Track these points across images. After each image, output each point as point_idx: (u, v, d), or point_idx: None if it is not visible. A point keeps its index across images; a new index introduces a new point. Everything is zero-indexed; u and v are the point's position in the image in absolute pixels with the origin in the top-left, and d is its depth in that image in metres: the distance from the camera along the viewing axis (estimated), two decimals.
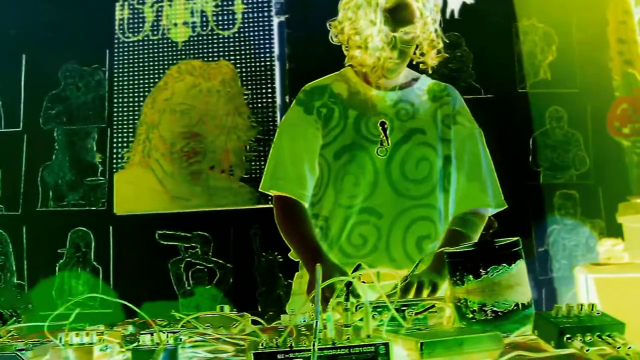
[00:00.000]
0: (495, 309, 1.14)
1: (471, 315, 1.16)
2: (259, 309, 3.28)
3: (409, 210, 1.73)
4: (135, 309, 1.18)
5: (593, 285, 2.60)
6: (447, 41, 1.81)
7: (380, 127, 1.75)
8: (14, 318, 1.44)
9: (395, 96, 1.80)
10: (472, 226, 1.76)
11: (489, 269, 1.14)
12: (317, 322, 0.84)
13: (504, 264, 1.14)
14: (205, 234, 3.38)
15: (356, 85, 1.82)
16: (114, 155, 3.46)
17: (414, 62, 1.81)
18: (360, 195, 1.72)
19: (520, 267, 1.17)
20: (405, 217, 1.72)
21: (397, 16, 1.68)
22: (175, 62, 3.49)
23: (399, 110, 1.78)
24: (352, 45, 1.74)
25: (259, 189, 1.86)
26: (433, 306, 1.26)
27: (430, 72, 1.84)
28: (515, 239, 1.19)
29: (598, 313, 1.01)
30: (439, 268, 1.59)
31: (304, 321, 1.21)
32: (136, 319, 1.35)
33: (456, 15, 3.45)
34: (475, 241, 1.70)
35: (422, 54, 1.79)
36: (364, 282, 1.44)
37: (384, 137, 1.74)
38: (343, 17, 1.75)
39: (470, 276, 1.15)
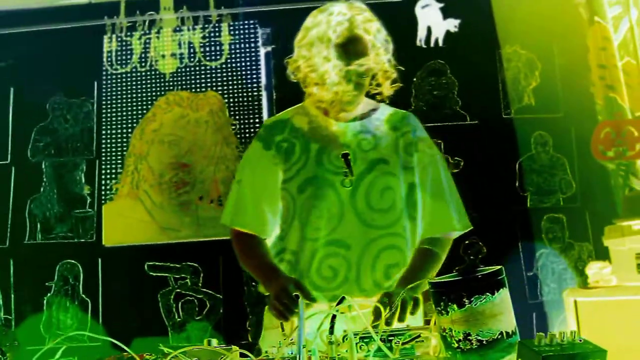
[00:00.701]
0: (479, 338, 1.14)
1: (456, 345, 1.16)
2: (250, 339, 3.25)
3: (377, 240, 1.75)
4: (122, 345, 1.18)
5: (582, 309, 2.61)
6: (403, 69, 1.85)
7: (343, 159, 1.77)
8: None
9: (355, 128, 1.83)
10: (441, 245, 1.82)
11: (472, 299, 1.14)
12: (299, 355, 0.85)
13: (487, 293, 1.15)
14: (195, 264, 3.37)
15: (316, 118, 1.84)
16: (103, 187, 3.45)
17: (370, 93, 1.84)
18: (327, 227, 1.74)
19: (503, 295, 1.18)
20: (373, 247, 1.74)
21: (350, 50, 1.71)
22: (163, 93, 3.51)
23: (360, 141, 1.81)
24: (310, 82, 1.77)
25: (221, 222, 1.89)
26: (419, 336, 1.26)
27: (387, 101, 1.87)
28: (498, 267, 1.20)
29: (580, 340, 1.02)
30: (410, 283, 1.62)
31: (292, 353, 1.21)
32: (124, 353, 1.34)
33: (440, 44, 3.51)
34: (430, 269, 1.76)
35: (378, 85, 1.82)
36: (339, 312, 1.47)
37: (348, 169, 1.76)
38: (298, 55, 1.78)
39: (454, 306, 1.16)
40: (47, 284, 3.38)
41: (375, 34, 1.76)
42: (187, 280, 3.35)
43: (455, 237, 1.87)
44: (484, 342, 1.14)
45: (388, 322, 1.50)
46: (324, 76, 1.71)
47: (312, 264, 1.73)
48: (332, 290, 1.70)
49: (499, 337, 1.15)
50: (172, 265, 3.36)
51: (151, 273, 3.36)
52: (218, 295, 3.35)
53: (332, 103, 1.76)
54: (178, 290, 3.35)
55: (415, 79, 3.46)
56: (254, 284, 3.33)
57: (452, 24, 3.51)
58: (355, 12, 1.75)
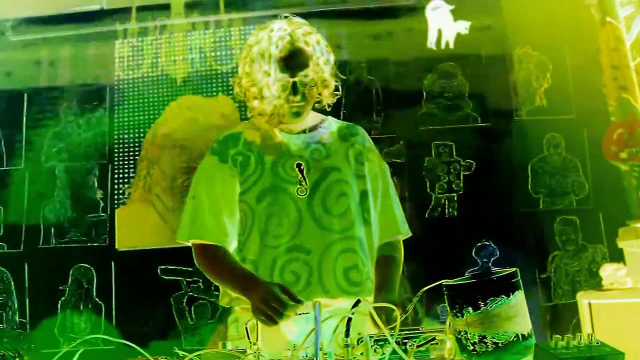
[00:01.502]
0: (495, 340, 1.14)
1: (472, 348, 1.16)
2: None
3: (335, 243, 1.80)
4: (138, 348, 1.19)
5: (596, 312, 2.59)
6: (345, 77, 1.91)
7: (297, 169, 1.82)
8: (17, 358, 1.44)
9: (306, 138, 1.89)
10: (397, 249, 1.93)
11: (487, 301, 1.14)
12: (317, 358, 0.85)
13: (503, 296, 1.15)
14: None
15: (267, 132, 1.90)
16: (115, 192, 3.48)
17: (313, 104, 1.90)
18: (286, 234, 1.78)
19: (519, 298, 1.17)
20: (332, 250, 1.79)
21: (293, 62, 1.78)
22: (174, 97, 3.53)
23: (312, 151, 1.87)
24: (250, 96, 1.84)
25: (177, 239, 1.90)
26: (434, 338, 1.26)
27: (328, 110, 1.93)
28: (514, 269, 1.19)
29: (597, 343, 1.01)
30: (391, 290, 1.76)
31: (306, 356, 1.21)
32: (139, 357, 1.35)
33: (451, 46, 3.50)
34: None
35: (319, 94, 1.88)
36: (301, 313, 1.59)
37: (302, 178, 1.82)
38: (241, 72, 1.86)
39: (470, 308, 1.16)
40: (60, 287, 3.41)
41: (315, 46, 1.82)
42: (200, 283, 3.37)
43: (401, 240, 1.96)
44: (500, 344, 1.14)
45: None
46: (264, 90, 1.78)
47: (274, 271, 1.77)
48: (297, 295, 1.72)
49: (515, 339, 1.14)
50: (184, 268, 3.38)
51: (164, 277, 3.38)
52: None
53: (272, 116, 1.83)
54: (190, 293, 3.37)
55: (426, 82, 3.46)
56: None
57: (463, 26, 3.50)
58: (295, 26, 1.82)
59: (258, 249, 1.79)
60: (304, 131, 1.90)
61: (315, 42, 1.82)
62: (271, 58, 1.76)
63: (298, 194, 1.80)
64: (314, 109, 1.93)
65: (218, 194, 1.84)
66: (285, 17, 1.85)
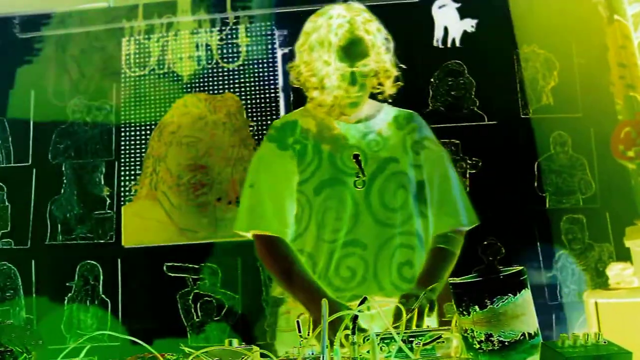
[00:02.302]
0: (502, 339, 1.14)
1: (478, 346, 1.16)
2: (268, 340, 3.26)
3: (392, 238, 1.75)
4: (144, 345, 1.19)
5: (603, 311, 2.58)
6: (405, 67, 1.85)
7: (354, 160, 1.77)
8: (25, 354, 1.44)
9: (362, 128, 1.83)
10: (454, 242, 1.81)
11: (494, 300, 1.14)
12: (323, 357, 0.85)
13: (510, 294, 1.14)
14: (213, 265, 3.39)
15: (323, 120, 1.84)
16: (122, 189, 3.49)
17: (372, 93, 1.84)
18: (343, 228, 1.74)
19: (525, 296, 1.17)
20: (389, 245, 1.75)
21: (353, 52, 1.71)
22: (181, 95, 3.54)
23: (369, 141, 1.81)
24: (310, 86, 1.78)
25: (234, 230, 1.83)
26: (440, 337, 1.26)
27: (390, 100, 1.87)
28: (520, 268, 1.19)
29: (604, 342, 1.01)
30: (429, 285, 1.61)
31: (312, 354, 1.22)
32: (145, 353, 1.36)
33: (457, 44, 3.49)
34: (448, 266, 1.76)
35: (380, 84, 1.82)
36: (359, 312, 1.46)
37: (359, 169, 1.76)
38: (299, 61, 1.79)
39: (476, 307, 1.16)
40: (67, 284, 3.42)
41: (376, 34, 1.76)
42: (206, 281, 3.37)
43: (464, 232, 1.86)
44: (506, 343, 1.14)
45: (406, 326, 1.49)
46: (324, 80, 1.72)
47: (330, 265, 1.73)
48: (352, 290, 1.70)
49: (521, 338, 1.14)
50: (190, 266, 3.39)
51: (170, 274, 3.39)
52: (236, 296, 3.36)
53: (332, 107, 1.77)
54: (196, 291, 3.37)
55: (432, 80, 3.45)
56: (271, 284, 3.34)
57: (469, 24, 3.49)
58: (354, 13, 1.75)
59: (314, 242, 1.75)
60: (360, 121, 1.84)
61: (375, 30, 1.76)
62: (331, 47, 1.69)
63: (356, 186, 1.75)
64: (374, 99, 1.86)
65: (279, 182, 1.78)
66: (344, 1, 1.78)
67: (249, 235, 1.83)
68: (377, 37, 1.75)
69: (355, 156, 1.77)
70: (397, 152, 1.81)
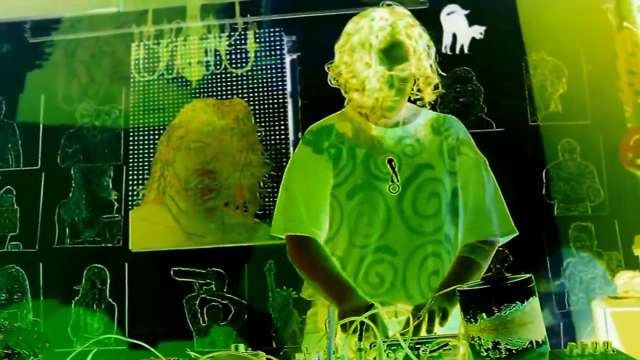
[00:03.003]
0: (509, 346, 1.13)
1: (485, 354, 1.15)
2: (274, 345, 3.26)
3: (423, 246, 1.72)
4: (150, 349, 1.19)
5: (611, 320, 2.57)
6: (445, 74, 1.82)
7: (389, 165, 1.75)
8: (32, 357, 1.45)
9: (398, 133, 1.81)
10: (481, 253, 1.74)
11: (502, 307, 1.13)
12: None
13: (517, 302, 1.14)
14: (220, 270, 3.39)
15: (360, 124, 1.83)
16: (130, 193, 3.50)
17: (411, 99, 1.83)
18: (375, 234, 1.71)
19: (533, 304, 1.16)
20: (419, 253, 1.72)
21: (392, 55, 1.69)
22: (189, 100, 3.55)
23: (405, 146, 1.79)
24: (350, 88, 1.76)
25: (271, 233, 1.83)
26: (447, 344, 1.25)
27: (428, 107, 1.85)
28: (528, 275, 1.18)
29: (613, 351, 1.00)
30: (447, 294, 1.56)
31: (319, 359, 1.21)
32: (152, 357, 1.36)
33: (466, 50, 3.49)
34: (479, 273, 1.71)
35: (419, 91, 1.79)
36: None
37: (394, 175, 1.74)
38: (339, 61, 1.77)
39: (483, 314, 1.15)
40: (74, 287, 3.43)
41: (417, 39, 1.73)
42: (212, 285, 3.38)
43: (499, 243, 1.80)
44: (514, 351, 1.13)
45: (414, 333, 1.48)
46: (365, 82, 1.70)
47: (360, 270, 1.71)
48: (380, 297, 1.67)
49: (529, 346, 1.13)
50: (197, 270, 3.39)
51: (177, 278, 3.39)
52: (242, 301, 3.36)
53: (373, 109, 1.75)
54: (203, 295, 3.38)
55: (439, 86, 3.45)
56: (278, 290, 3.34)
57: (478, 31, 3.49)
58: (397, 17, 1.73)
59: (346, 247, 1.73)
60: (396, 125, 1.82)
61: (417, 35, 1.73)
62: (372, 48, 1.68)
63: (390, 191, 1.73)
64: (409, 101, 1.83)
65: (312, 185, 1.77)
66: (388, 4, 1.76)
67: (283, 237, 1.82)
68: (418, 43, 1.73)
69: (390, 161, 1.76)
70: (432, 158, 1.78)
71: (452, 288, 1.60)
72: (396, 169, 1.75)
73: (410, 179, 1.75)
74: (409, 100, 1.83)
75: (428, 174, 1.76)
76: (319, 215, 1.76)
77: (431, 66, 1.77)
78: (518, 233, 1.80)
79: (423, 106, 1.83)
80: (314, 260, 1.74)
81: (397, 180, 1.74)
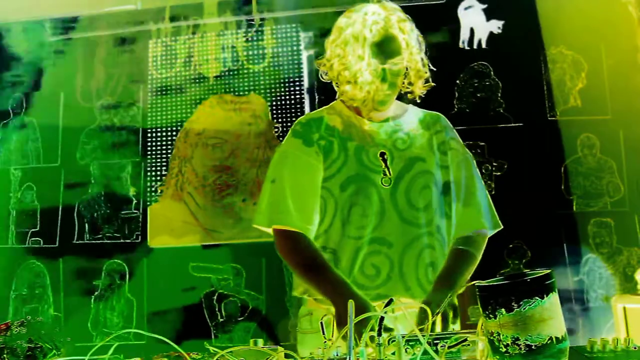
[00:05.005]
0: (528, 342, 1.13)
1: (504, 350, 1.15)
2: (291, 341, 3.27)
3: (419, 238, 1.74)
4: (171, 343, 1.20)
5: (631, 316, 2.54)
6: (435, 69, 1.84)
7: (381, 158, 1.76)
8: (54, 351, 1.47)
9: (389, 127, 1.83)
10: (475, 244, 1.78)
11: (521, 303, 1.13)
12: (349, 357, 0.85)
13: (537, 297, 1.13)
14: (238, 265, 3.41)
15: (349, 118, 1.84)
16: (148, 189, 3.53)
17: (402, 92, 1.83)
18: (369, 225, 1.72)
19: (553, 300, 1.15)
20: (415, 245, 1.73)
21: (385, 49, 1.72)
22: (207, 96, 3.56)
23: (396, 140, 1.81)
24: (342, 80, 1.77)
25: (254, 225, 1.82)
26: (466, 340, 1.25)
27: (418, 100, 1.86)
28: (548, 271, 1.18)
29: (635, 348, 0.99)
30: (449, 287, 1.59)
31: (337, 355, 1.22)
32: (171, 352, 1.37)
33: (484, 45, 3.47)
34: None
35: (410, 84, 1.81)
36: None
37: (386, 168, 1.76)
38: (331, 54, 1.79)
39: (503, 310, 1.14)
40: (94, 282, 3.47)
41: (409, 33, 1.76)
42: (230, 281, 3.39)
43: (488, 235, 1.84)
44: (533, 347, 1.12)
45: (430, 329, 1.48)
46: (357, 74, 1.72)
47: (356, 262, 1.72)
48: (376, 289, 1.69)
49: (549, 342, 1.13)
50: (215, 266, 3.41)
51: (195, 274, 3.42)
52: (260, 297, 3.38)
53: (365, 102, 1.76)
54: (221, 291, 3.39)
55: (458, 81, 3.43)
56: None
57: (496, 25, 3.46)
58: (389, 12, 1.75)
59: (339, 239, 1.74)
60: (386, 120, 1.84)
61: (409, 29, 1.76)
62: (365, 42, 1.70)
63: (382, 184, 1.74)
64: (401, 99, 1.86)
65: (302, 178, 1.77)
66: (378, 0, 1.78)
67: (269, 230, 1.81)
68: (410, 37, 1.75)
69: (382, 154, 1.77)
70: (423, 152, 1.81)
71: (471, 283, 1.60)
72: (388, 163, 1.76)
73: (403, 171, 1.77)
74: (398, 97, 1.85)
75: (420, 166, 1.78)
76: (309, 210, 1.76)
77: (422, 60, 1.79)
78: (502, 227, 1.84)
79: (413, 100, 1.85)
80: (307, 255, 1.74)
81: (389, 173, 1.76)
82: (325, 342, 1.35)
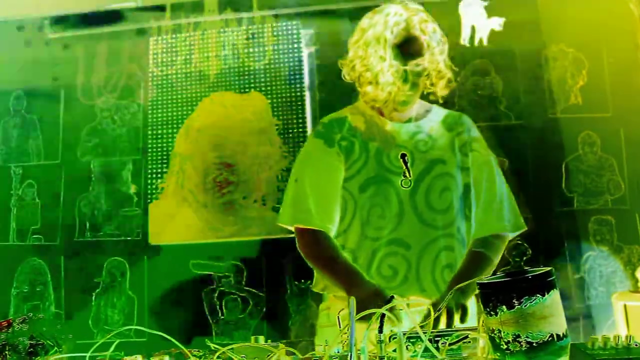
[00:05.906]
0: (529, 339, 1.13)
1: (505, 347, 1.15)
2: (292, 338, 3.27)
3: (436, 240, 1.74)
4: (172, 340, 1.21)
5: (631, 314, 2.54)
6: (456, 69, 1.83)
7: (401, 159, 1.77)
8: (55, 348, 1.47)
9: (411, 128, 1.83)
10: (492, 247, 1.78)
11: (522, 300, 1.13)
12: (351, 354, 0.86)
13: (538, 295, 1.13)
14: (238, 263, 3.41)
15: (372, 118, 1.84)
16: (149, 186, 3.53)
17: (424, 93, 1.83)
18: (388, 227, 1.73)
19: (554, 297, 1.16)
20: (432, 247, 1.74)
21: (407, 50, 1.72)
22: (207, 94, 3.56)
23: (417, 142, 1.81)
24: (364, 81, 1.78)
25: (278, 223, 1.85)
26: (467, 337, 1.25)
27: (440, 102, 1.86)
28: (549, 268, 1.18)
29: (636, 345, 1.00)
30: (462, 289, 1.57)
31: (338, 352, 1.22)
32: (172, 349, 1.37)
33: (485, 43, 3.46)
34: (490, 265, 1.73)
35: (432, 84, 1.82)
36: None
37: (406, 170, 1.76)
38: (353, 55, 1.79)
39: (504, 307, 1.15)
40: (95, 280, 3.47)
41: (431, 35, 1.76)
42: (231, 278, 3.40)
43: (508, 238, 1.84)
44: (534, 344, 1.12)
45: (434, 327, 1.48)
46: (379, 75, 1.72)
47: (373, 262, 1.73)
48: (393, 290, 1.69)
49: (550, 339, 1.13)
50: (216, 263, 3.41)
51: (195, 271, 3.42)
52: (261, 294, 3.38)
53: (386, 102, 1.77)
54: (222, 288, 3.40)
55: (458, 79, 3.43)
56: (296, 282, 3.35)
57: (497, 23, 3.46)
58: (411, 12, 1.75)
59: (358, 239, 1.75)
60: (409, 120, 1.84)
61: (431, 30, 1.76)
62: (386, 43, 1.70)
63: (402, 185, 1.75)
64: (425, 98, 1.86)
65: (323, 177, 1.79)
66: (400, 0, 1.78)
67: (291, 228, 1.84)
68: (432, 38, 1.76)
69: (402, 156, 1.77)
70: (445, 154, 1.81)
71: (470, 281, 1.61)
72: (409, 164, 1.77)
73: (423, 173, 1.77)
74: (421, 96, 1.84)
75: (440, 169, 1.78)
76: (330, 209, 1.78)
77: (444, 61, 1.80)
78: (527, 228, 1.84)
79: (435, 101, 1.84)
80: (327, 252, 1.76)
81: (409, 175, 1.76)
82: (341, 335, 1.35)
